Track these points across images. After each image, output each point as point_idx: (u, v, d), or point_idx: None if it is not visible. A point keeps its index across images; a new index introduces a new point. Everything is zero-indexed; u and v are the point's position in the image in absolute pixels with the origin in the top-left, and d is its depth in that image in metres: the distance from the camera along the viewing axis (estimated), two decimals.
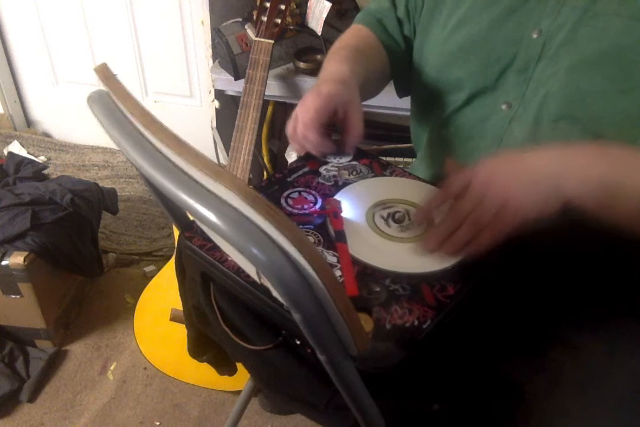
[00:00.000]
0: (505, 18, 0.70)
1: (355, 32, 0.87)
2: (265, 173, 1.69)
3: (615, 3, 0.62)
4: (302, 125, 0.69)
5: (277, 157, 1.69)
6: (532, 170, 0.57)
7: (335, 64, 0.77)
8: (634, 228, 0.56)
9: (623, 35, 0.62)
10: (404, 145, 1.47)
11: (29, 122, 2.26)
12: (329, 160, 0.77)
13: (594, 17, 0.63)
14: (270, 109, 1.57)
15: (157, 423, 1.32)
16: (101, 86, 0.49)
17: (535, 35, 0.68)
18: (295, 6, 1.27)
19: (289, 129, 0.72)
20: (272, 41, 1.18)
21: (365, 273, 0.61)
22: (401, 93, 0.95)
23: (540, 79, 0.68)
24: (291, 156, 1.53)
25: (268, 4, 1.17)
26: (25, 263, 1.27)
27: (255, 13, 1.20)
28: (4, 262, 1.27)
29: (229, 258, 0.63)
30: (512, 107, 0.72)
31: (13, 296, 1.33)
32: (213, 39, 1.35)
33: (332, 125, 0.72)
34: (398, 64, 0.86)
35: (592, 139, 0.66)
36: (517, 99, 0.71)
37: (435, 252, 0.60)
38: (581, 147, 0.59)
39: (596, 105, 0.64)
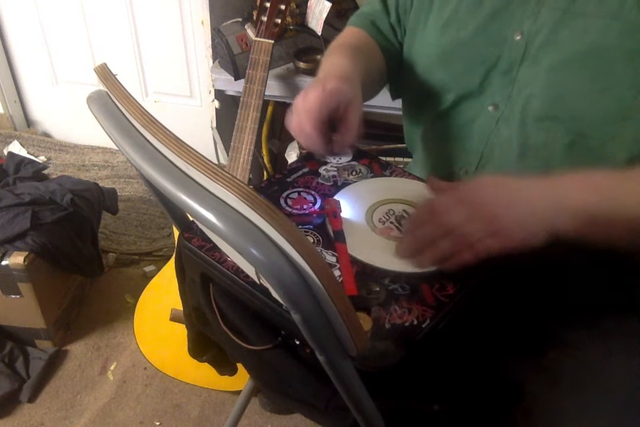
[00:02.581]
0: (489, 21, 0.70)
1: (351, 33, 0.87)
2: (265, 173, 1.69)
3: (593, 3, 0.62)
4: (303, 120, 0.68)
5: (277, 157, 1.69)
6: (526, 203, 0.57)
7: (337, 58, 0.76)
8: (628, 247, 0.57)
9: (602, 35, 0.62)
10: (404, 145, 1.47)
11: (29, 122, 2.26)
12: (329, 161, 0.77)
13: (574, 18, 0.64)
14: (270, 109, 1.57)
15: (157, 423, 1.32)
16: (101, 86, 0.49)
17: (517, 37, 0.68)
18: (295, 6, 1.27)
19: (290, 123, 0.70)
20: (272, 41, 1.18)
21: (365, 273, 0.61)
22: (394, 94, 0.95)
23: (524, 80, 0.69)
24: (291, 156, 1.53)
25: (268, 4, 1.17)
26: (25, 263, 1.27)
27: (255, 13, 1.20)
28: (4, 262, 1.27)
29: (229, 259, 0.63)
30: (498, 108, 0.72)
31: (13, 296, 1.33)
32: (213, 39, 1.35)
33: (331, 124, 0.72)
34: (393, 64, 0.86)
35: (575, 138, 0.66)
36: (503, 101, 0.72)
37: (410, 259, 0.60)
38: (571, 178, 0.58)
39: (578, 105, 0.64)
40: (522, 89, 0.69)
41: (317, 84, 0.69)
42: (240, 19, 1.30)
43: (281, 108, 1.57)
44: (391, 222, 0.67)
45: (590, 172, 0.59)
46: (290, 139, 1.56)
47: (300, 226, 0.67)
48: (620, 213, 0.56)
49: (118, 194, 1.64)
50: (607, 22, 0.61)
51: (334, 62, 0.75)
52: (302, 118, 0.68)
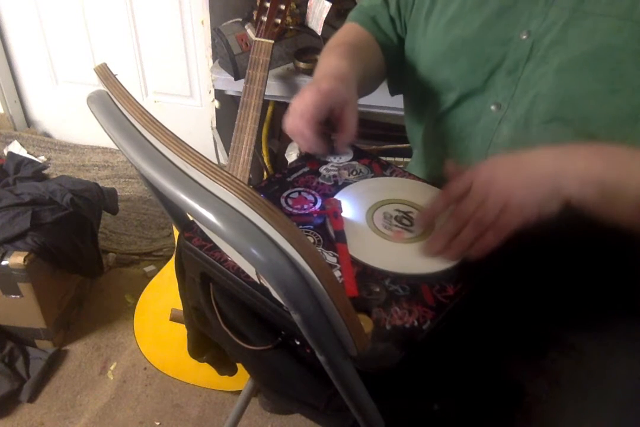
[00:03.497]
0: (495, 19, 0.70)
1: (350, 30, 0.87)
2: (265, 173, 1.69)
3: (603, 3, 0.62)
4: (299, 120, 0.68)
5: (277, 157, 1.69)
6: (532, 171, 0.57)
7: (334, 59, 0.76)
8: (634, 226, 0.56)
9: (612, 35, 0.62)
10: (404, 145, 1.47)
11: (29, 122, 2.26)
12: (329, 160, 0.77)
13: (583, 17, 0.63)
14: (270, 109, 1.56)
15: (157, 423, 1.32)
16: (101, 86, 0.49)
17: (524, 37, 0.68)
18: (295, 6, 1.26)
19: (287, 124, 0.71)
20: (272, 41, 1.18)
21: (365, 273, 0.61)
22: (393, 91, 0.95)
23: (529, 80, 0.69)
24: (291, 156, 1.53)
25: (268, 4, 1.17)
26: (25, 263, 1.27)
27: (255, 13, 1.20)
28: (4, 262, 1.27)
29: (229, 258, 0.63)
30: (501, 108, 0.72)
31: (13, 296, 1.33)
32: (213, 39, 1.35)
33: (328, 124, 0.72)
34: (392, 61, 0.86)
35: (584, 140, 0.65)
36: (506, 100, 0.71)
37: (439, 255, 0.60)
38: (580, 147, 0.59)
39: (587, 106, 0.64)
40: (527, 90, 0.69)
41: (312, 85, 0.70)
42: (240, 19, 1.30)
43: (281, 108, 1.57)
44: (396, 226, 0.66)
45: (602, 144, 0.59)
46: (291, 138, 1.56)
47: (300, 226, 0.67)
48: (628, 184, 0.55)
49: (118, 194, 1.64)
50: (617, 22, 0.61)
51: (330, 63, 0.76)
52: (297, 119, 0.68)
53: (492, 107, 0.73)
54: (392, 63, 0.86)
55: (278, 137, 1.68)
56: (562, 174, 0.56)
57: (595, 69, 0.63)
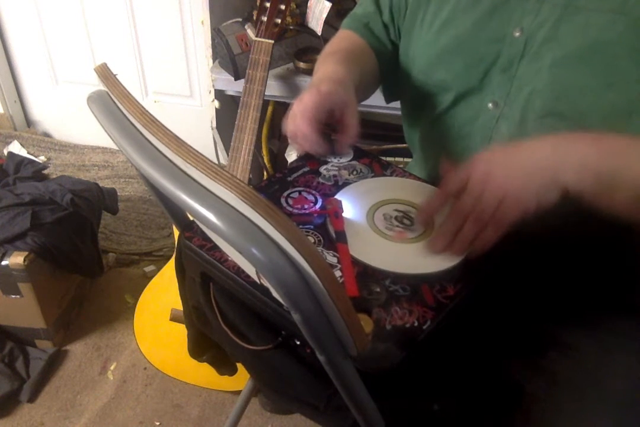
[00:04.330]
0: (488, 18, 0.70)
1: (344, 37, 0.88)
2: (265, 173, 1.69)
3: None
4: (299, 120, 0.69)
5: (277, 157, 1.69)
6: (528, 162, 0.57)
7: (331, 65, 0.77)
8: (631, 217, 0.56)
9: (605, 30, 0.61)
10: (404, 145, 1.47)
11: (29, 122, 2.26)
12: (329, 160, 0.77)
13: (575, 13, 0.63)
14: (270, 109, 1.57)
15: (157, 423, 1.32)
16: (101, 86, 0.49)
17: (517, 34, 0.68)
18: (295, 6, 1.27)
19: (287, 126, 0.71)
20: (272, 41, 1.18)
21: (366, 274, 0.61)
22: (388, 98, 0.95)
23: (524, 77, 0.69)
24: (291, 156, 1.53)
25: (268, 4, 1.17)
26: (25, 263, 1.27)
27: (255, 13, 1.20)
28: (4, 262, 1.27)
29: (229, 258, 0.63)
30: (498, 105, 0.72)
31: (13, 296, 1.33)
32: (213, 39, 1.35)
33: (329, 125, 0.72)
34: (387, 67, 0.86)
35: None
36: (503, 98, 0.71)
37: (442, 253, 0.60)
38: (576, 137, 0.59)
39: (582, 101, 0.64)
40: (522, 87, 0.69)
41: (311, 88, 0.70)
42: (240, 19, 1.30)
43: (281, 108, 1.57)
44: (396, 226, 0.66)
45: (599, 133, 0.58)
46: None
47: (300, 226, 0.67)
48: (625, 173, 0.55)
49: (118, 194, 1.64)
50: (610, 17, 0.61)
51: (327, 69, 0.76)
52: (298, 119, 0.68)
53: (489, 105, 0.73)
54: (387, 69, 0.86)
55: (278, 137, 1.68)
56: (558, 165, 0.56)
57: (589, 64, 0.63)
